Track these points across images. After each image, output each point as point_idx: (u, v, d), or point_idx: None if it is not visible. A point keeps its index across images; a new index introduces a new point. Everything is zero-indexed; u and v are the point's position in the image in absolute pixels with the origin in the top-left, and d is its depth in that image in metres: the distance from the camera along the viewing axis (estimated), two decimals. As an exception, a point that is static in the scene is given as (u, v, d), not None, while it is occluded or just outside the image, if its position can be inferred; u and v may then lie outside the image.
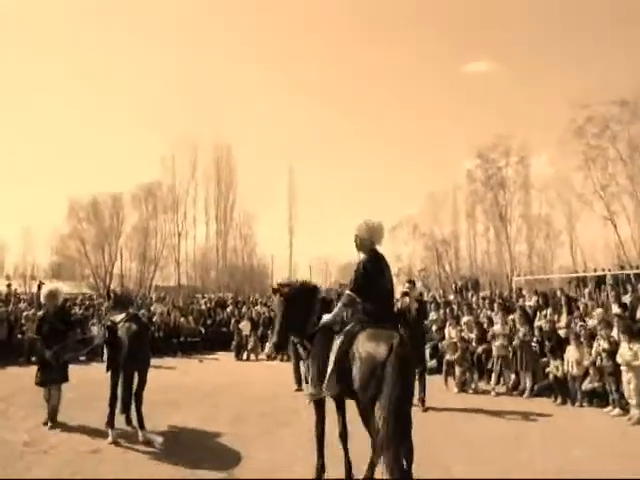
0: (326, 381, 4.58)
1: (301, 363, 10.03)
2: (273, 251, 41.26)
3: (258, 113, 54.02)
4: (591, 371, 8.30)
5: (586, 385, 8.32)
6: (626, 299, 12.79)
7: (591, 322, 9.74)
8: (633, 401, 7.55)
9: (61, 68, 53.70)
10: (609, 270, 23.78)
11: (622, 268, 24.62)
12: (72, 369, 7.43)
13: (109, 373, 6.64)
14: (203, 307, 19.82)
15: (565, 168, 30.64)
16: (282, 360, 14.76)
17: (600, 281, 21.54)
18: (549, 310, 11.08)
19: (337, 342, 4.58)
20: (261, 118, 52.96)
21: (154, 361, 7.48)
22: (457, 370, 9.99)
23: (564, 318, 10.54)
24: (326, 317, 4.87)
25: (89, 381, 8.48)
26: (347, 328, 4.60)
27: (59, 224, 37.91)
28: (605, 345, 8.33)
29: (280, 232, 40.99)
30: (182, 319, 17.19)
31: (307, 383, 4.96)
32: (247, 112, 54.42)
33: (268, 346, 5.03)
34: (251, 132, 52.49)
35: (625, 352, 7.74)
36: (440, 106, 51.96)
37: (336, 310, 4.81)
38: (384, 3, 53.27)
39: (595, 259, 31.67)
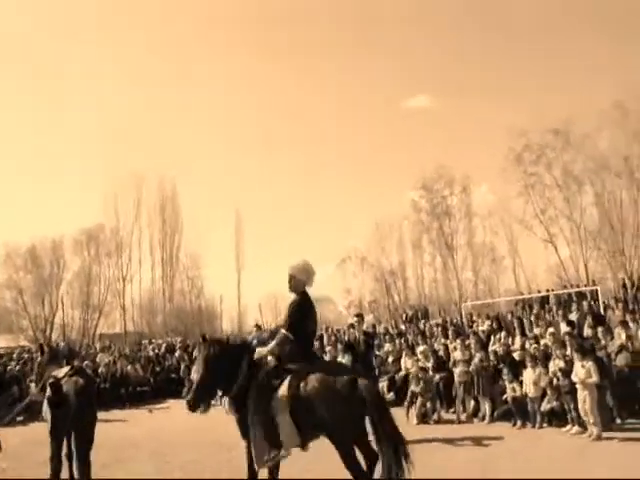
0: (284, 436, 4.45)
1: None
2: (221, 291, 40.52)
3: (202, 153, 53.64)
4: (548, 391, 8.31)
5: (545, 406, 8.32)
6: (573, 317, 13.17)
7: (543, 342, 9.83)
8: (590, 419, 7.60)
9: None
10: (552, 290, 24.63)
11: (565, 287, 25.56)
12: (5, 432, 6.83)
13: (50, 434, 6.10)
14: (151, 354, 19.00)
15: (506, 195, 31.78)
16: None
17: (544, 301, 22.26)
18: (503, 333, 11.19)
19: (284, 387, 4.50)
20: (206, 158, 52.59)
21: (100, 415, 6.96)
22: (419, 401, 9.82)
23: (518, 340, 10.63)
24: (260, 350, 4.96)
25: (27, 443, 7.83)
26: (294, 369, 4.59)
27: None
28: (561, 364, 8.39)
29: (228, 271, 40.39)
30: (129, 367, 16.38)
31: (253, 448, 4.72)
32: (191, 153, 53.98)
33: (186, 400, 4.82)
34: (196, 171, 51.88)
35: (579, 370, 7.81)
36: (383, 139, 53.17)
37: (270, 346, 4.91)
38: (329, 35, 54.60)
39: (537, 281, 32.74)
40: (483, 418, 9.40)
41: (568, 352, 8.52)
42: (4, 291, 36.81)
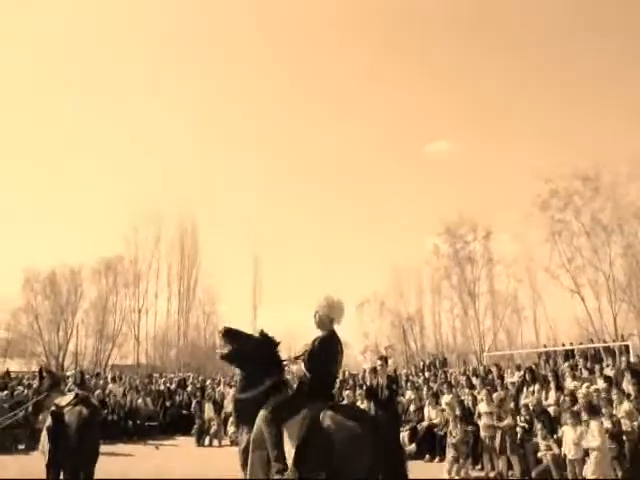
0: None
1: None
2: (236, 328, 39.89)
3: (224, 190, 54.09)
4: (593, 453, 7.54)
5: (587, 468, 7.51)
6: (608, 372, 12.37)
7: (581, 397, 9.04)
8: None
9: (21, 127, 52.83)
10: (580, 343, 23.64)
11: (591, 341, 24.52)
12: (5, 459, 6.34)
13: (47, 467, 5.60)
14: (162, 387, 18.42)
15: (531, 242, 31.07)
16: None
17: (568, 355, 21.31)
18: (536, 387, 10.44)
19: (298, 420, 4.21)
20: (227, 195, 52.98)
21: (105, 447, 6.45)
22: (449, 454, 9.07)
23: (553, 395, 9.88)
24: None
25: (25, 473, 7.31)
26: (310, 405, 4.28)
27: (11, 296, 35.94)
28: (608, 424, 7.68)
29: (243, 310, 39.90)
30: (140, 400, 15.84)
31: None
32: (213, 188, 54.46)
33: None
34: (216, 208, 52.20)
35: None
36: (405, 183, 53.07)
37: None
38: (348, 84, 55.38)
39: (558, 333, 31.65)
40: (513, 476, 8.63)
41: (615, 412, 7.79)
42: (21, 315, 36.75)
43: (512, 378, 12.55)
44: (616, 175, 27.74)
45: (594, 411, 7.34)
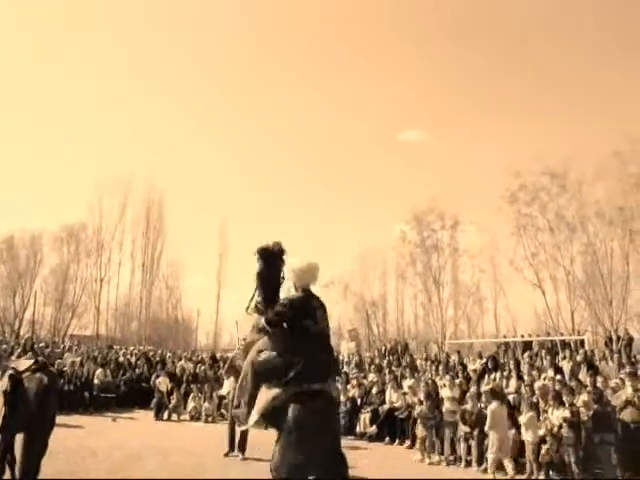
0: None
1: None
2: (200, 304, 39.59)
3: (194, 164, 53.17)
4: (548, 440, 7.71)
5: (543, 456, 7.68)
6: (564, 365, 12.67)
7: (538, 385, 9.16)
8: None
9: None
10: (537, 336, 24.24)
11: (548, 334, 25.20)
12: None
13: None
14: (122, 359, 18.08)
15: (497, 234, 31.49)
16: (207, 421, 13.54)
17: (527, 347, 21.82)
18: (498, 374, 10.61)
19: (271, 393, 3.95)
20: (196, 169, 52.12)
21: (60, 418, 6.20)
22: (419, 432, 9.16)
23: (513, 383, 10.04)
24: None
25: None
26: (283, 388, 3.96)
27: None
28: (567, 413, 7.82)
29: (208, 285, 39.51)
30: (99, 371, 15.50)
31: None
32: (182, 161, 53.49)
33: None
34: (185, 182, 51.37)
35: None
36: (376, 170, 53.11)
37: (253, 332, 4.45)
38: (326, 68, 54.87)
39: (519, 324, 32.38)
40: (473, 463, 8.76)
41: (576, 401, 7.94)
42: (-26, 280, 35.57)
43: (474, 365, 12.73)
44: (582, 174, 28.23)
45: (558, 400, 7.48)
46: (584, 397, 7.98)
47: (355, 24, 53.87)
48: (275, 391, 3.88)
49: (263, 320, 4.12)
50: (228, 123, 55.21)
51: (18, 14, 49.65)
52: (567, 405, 7.84)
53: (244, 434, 8.88)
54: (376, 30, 53.49)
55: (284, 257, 4.58)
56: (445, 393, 9.92)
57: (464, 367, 12.28)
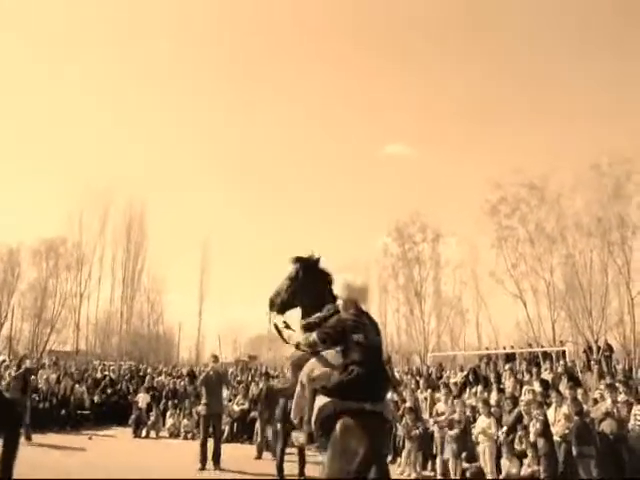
0: None
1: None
2: (181, 319, 39.25)
3: (175, 178, 52.92)
4: (529, 454, 7.68)
5: (525, 470, 7.66)
6: (546, 376, 12.67)
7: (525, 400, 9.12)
8: None
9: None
10: (520, 347, 24.30)
11: (529, 345, 25.28)
12: None
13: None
14: (99, 375, 17.73)
15: (478, 246, 31.66)
16: (186, 438, 13.32)
17: (509, 358, 21.89)
18: (479, 387, 10.57)
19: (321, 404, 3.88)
20: (178, 183, 51.89)
21: (35, 437, 5.98)
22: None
23: (494, 396, 9.99)
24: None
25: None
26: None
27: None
28: (538, 426, 7.81)
29: (189, 300, 39.16)
30: (76, 387, 15.17)
31: None
32: (163, 175, 53.21)
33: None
34: (166, 196, 51.01)
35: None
36: (357, 184, 53.32)
37: (301, 341, 4.31)
38: (310, 81, 55.15)
39: (501, 336, 32.47)
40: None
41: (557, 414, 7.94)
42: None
43: (455, 378, 12.68)
44: (561, 186, 28.55)
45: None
46: (564, 410, 7.98)
47: (341, 38, 54.43)
48: (325, 402, 3.83)
49: (315, 335, 4.05)
50: (210, 137, 55.12)
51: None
52: (539, 416, 7.82)
53: (217, 447, 9.18)
54: (361, 43, 54.05)
55: (324, 271, 4.57)
56: (441, 408, 9.79)
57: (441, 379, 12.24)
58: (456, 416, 9.07)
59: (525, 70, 46.88)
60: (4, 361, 17.42)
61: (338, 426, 3.69)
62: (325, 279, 4.56)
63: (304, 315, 4.53)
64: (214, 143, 55.55)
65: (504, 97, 48.30)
